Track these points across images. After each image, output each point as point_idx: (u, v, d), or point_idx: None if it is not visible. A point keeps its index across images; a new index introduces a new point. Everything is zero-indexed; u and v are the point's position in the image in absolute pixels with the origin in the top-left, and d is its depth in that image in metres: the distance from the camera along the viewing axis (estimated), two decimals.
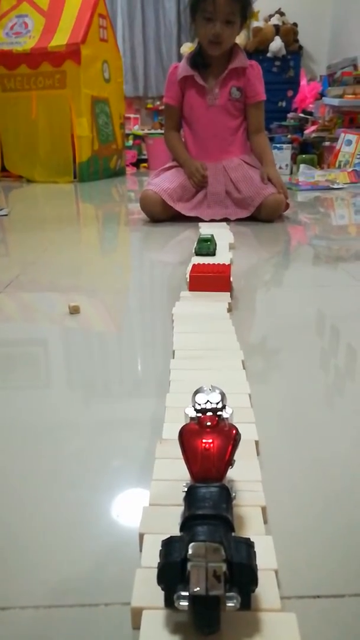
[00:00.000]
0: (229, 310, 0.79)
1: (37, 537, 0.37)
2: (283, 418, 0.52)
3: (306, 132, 3.60)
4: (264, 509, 0.37)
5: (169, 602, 0.28)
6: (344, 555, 0.35)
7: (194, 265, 0.92)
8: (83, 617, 0.31)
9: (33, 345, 0.73)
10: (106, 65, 3.26)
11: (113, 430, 0.50)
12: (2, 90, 3.10)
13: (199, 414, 0.33)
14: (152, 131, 4.53)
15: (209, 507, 0.29)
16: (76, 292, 0.96)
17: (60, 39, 2.95)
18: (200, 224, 1.56)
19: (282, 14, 4.20)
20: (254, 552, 0.28)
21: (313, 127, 3.53)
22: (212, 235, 1.12)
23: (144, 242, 1.51)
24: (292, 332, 0.76)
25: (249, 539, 0.28)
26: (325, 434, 0.49)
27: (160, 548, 0.29)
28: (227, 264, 0.94)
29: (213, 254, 1.08)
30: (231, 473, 0.35)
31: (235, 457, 0.33)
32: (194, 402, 0.34)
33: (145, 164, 4.31)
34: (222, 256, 1.08)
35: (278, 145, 3.27)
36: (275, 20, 4.14)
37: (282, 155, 3.19)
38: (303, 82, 3.99)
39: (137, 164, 4.34)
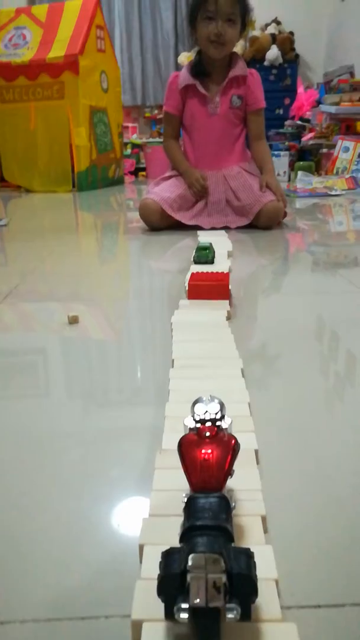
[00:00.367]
0: (228, 318, 0.79)
1: (37, 549, 0.37)
2: (283, 426, 0.52)
3: (303, 139, 3.63)
4: (263, 518, 0.37)
5: (169, 614, 0.28)
6: (345, 564, 0.35)
7: (192, 273, 0.93)
8: (83, 630, 0.30)
9: (32, 355, 0.73)
10: (104, 76, 3.29)
11: (112, 440, 0.50)
12: (1, 102, 3.13)
13: (198, 425, 0.33)
14: (150, 140, 4.56)
15: (208, 518, 0.29)
16: (75, 302, 0.96)
17: (58, 51, 2.98)
18: (199, 232, 1.57)
19: (278, 23, 4.24)
20: (254, 562, 0.28)
21: (310, 134, 3.55)
22: (211, 244, 1.12)
23: (142, 250, 1.51)
24: (291, 339, 0.76)
25: (248, 549, 0.28)
26: (325, 442, 0.49)
27: (160, 559, 0.29)
28: (225, 272, 0.94)
29: (212, 262, 1.09)
30: (231, 482, 0.35)
31: (235, 466, 0.33)
32: (193, 412, 0.34)
33: (143, 173, 4.34)
34: (220, 264, 1.09)
35: (276, 152, 3.29)
36: (271, 29, 4.18)
37: (279, 163, 3.21)
38: (300, 89, 4.02)
39: (135, 172, 4.36)
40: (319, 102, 3.59)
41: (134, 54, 4.62)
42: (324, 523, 0.38)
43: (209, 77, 1.66)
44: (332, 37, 4.27)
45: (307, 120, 3.76)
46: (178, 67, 4.33)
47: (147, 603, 0.29)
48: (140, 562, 0.34)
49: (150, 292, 1.09)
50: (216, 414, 0.33)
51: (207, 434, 0.33)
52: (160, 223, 1.65)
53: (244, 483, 0.39)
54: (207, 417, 0.33)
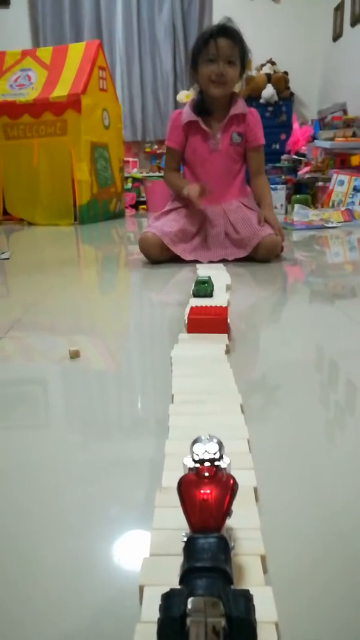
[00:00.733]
0: (227, 352, 0.80)
1: (35, 590, 0.37)
2: (282, 461, 0.52)
3: (300, 173, 3.72)
4: (263, 558, 0.37)
5: None
6: (347, 604, 0.35)
7: (191, 307, 0.94)
8: None
9: (34, 389, 0.74)
10: (106, 113, 3.40)
11: (112, 476, 0.50)
12: (6, 138, 3.22)
13: (197, 464, 0.34)
14: (151, 174, 4.67)
15: (207, 559, 0.29)
16: (76, 334, 0.97)
17: (61, 90, 3.09)
18: (198, 266, 1.60)
19: (273, 63, 4.41)
20: (253, 605, 0.28)
21: (306, 168, 3.64)
22: (210, 277, 1.14)
23: (143, 283, 1.53)
24: (289, 372, 0.76)
25: (247, 591, 0.28)
26: (325, 477, 0.49)
27: (160, 602, 0.29)
28: (224, 305, 0.96)
29: (210, 295, 1.10)
30: (230, 521, 0.36)
31: (234, 504, 0.34)
32: (192, 452, 0.35)
33: (144, 206, 4.42)
34: (219, 297, 1.10)
35: (273, 185, 3.36)
36: (266, 69, 4.34)
37: (277, 196, 3.28)
38: (295, 126, 4.14)
39: (136, 205, 4.45)
40: (314, 138, 3.70)
41: (134, 92, 4.78)
42: (325, 562, 0.38)
43: (211, 115, 1.72)
44: (325, 76, 4.43)
45: (303, 155, 3.86)
46: (177, 104, 4.48)
47: None
48: (141, 603, 0.34)
49: (151, 325, 1.10)
50: (215, 453, 0.34)
51: (206, 474, 0.33)
52: (160, 256, 1.68)
53: (243, 522, 0.39)
54: (206, 457, 0.34)
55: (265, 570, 0.36)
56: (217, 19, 4.44)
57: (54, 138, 3.13)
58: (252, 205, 1.77)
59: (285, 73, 4.37)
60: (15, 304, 1.27)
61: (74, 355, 0.83)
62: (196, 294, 1.10)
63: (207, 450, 0.34)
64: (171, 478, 0.44)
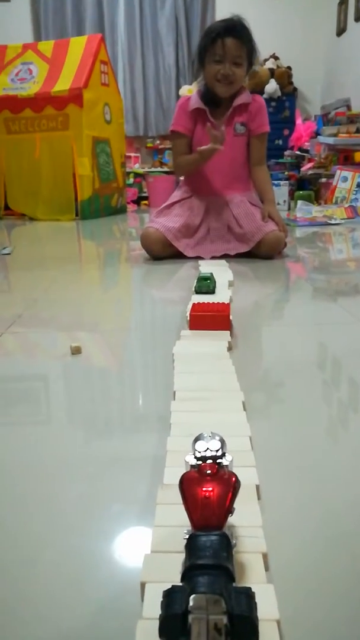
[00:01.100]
0: (229, 349, 0.80)
1: (37, 587, 0.37)
2: (284, 459, 0.52)
3: (303, 169, 3.70)
4: (265, 556, 0.37)
5: None
6: (348, 601, 0.35)
7: (194, 304, 0.94)
8: None
9: (35, 385, 0.74)
10: (107, 108, 3.38)
11: (113, 473, 0.50)
12: (7, 133, 3.21)
13: (199, 462, 0.34)
14: (152, 169, 4.65)
15: (209, 557, 0.29)
16: (78, 330, 0.97)
17: (63, 84, 3.07)
18: (200, 262, 1.59)
19: (276, 58, 4.38)
20: (255, 603, 0.28)
21: (309, 164, 3.62)
22: (212, 274, 1.14)
23: (144, 279, 1.53)
24: (292, 370, 0.76)
25: (249, 589, 0.29)
26: (327, 475, 0.49)
27: (162, 599, 0.29)
28: (226, 302, 0.95)
29: (213, 292, 1.10)
30: (232, 518, 0.36)
31: (236, 502, 0.34)
32: (194, 449, 0.34)
33: (145, 202, 4.41)
34: (221, 294, 1.10)
35: (276, 181, 3.35)
36: (270, 64, 4.31)
37: (279, 192, 3.27)
38: (298, 121, 4.12)
39: (137, 201, 4.44)
40: (317, 134, 3.68)
41: (136, 87, 4.75)
42: (326, 559, 0.38)
43: (217, 106, 1.70)
44: (329, 71, 4.40)
45: (306, 151, 3.84)
46: (179, 99, 4.45)
47: None
48: (142, 599, 0.34)
49: (152, 321, 1.10)
50: (217, 451, 0.34)
51: (208, 471, 0.33)
52: (162, 252, 1.68)
53: (245, 519, 0.39)
54: (208, 455, 0.34)
55: (267, 568, 0.36)
56: (219, 12, 4.42)
57: (55, 133, 3.12)
58: (256, 201, 1.76)
59: (289, 68, 4.35)
60: (16, 299, 1.27)
61: (76, 351, 0.82)
62: (198, 291, 1.10)
63: (209, 447, 0.34)
64: (173, 475, 0.45)
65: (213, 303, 0.93)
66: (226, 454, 0.35)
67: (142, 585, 0.35)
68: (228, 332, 0.86)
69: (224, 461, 0.34)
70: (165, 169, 4.63)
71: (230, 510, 0.33)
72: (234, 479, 0.33)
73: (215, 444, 0.34)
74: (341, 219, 2.74)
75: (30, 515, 0.44)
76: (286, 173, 3.76)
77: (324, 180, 3.40)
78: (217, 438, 0.35)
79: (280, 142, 4.24)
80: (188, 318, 0.90)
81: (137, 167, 4.69)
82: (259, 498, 0.44)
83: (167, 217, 1.72)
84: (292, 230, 2.42)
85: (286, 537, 0.41)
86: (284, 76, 4.29)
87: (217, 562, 0.29)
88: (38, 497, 0.47)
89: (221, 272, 1.35)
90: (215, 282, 1.13)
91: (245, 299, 1.19)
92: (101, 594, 0.36)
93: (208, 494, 0.32)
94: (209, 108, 1.69)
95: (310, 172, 3.55)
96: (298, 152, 3.89)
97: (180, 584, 0.29)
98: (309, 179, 3.61)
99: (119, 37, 4.66)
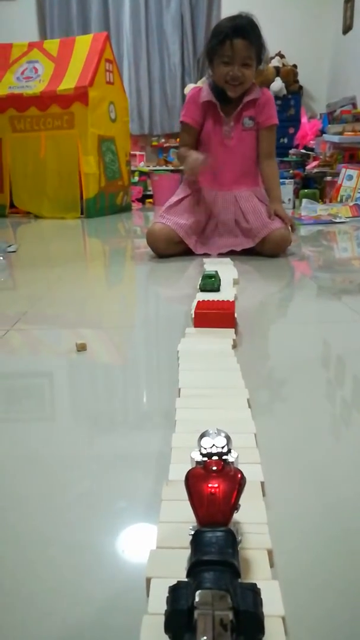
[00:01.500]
0: (234, 346, 0.80)
1: (43, 583, 0.37)
2: (289, 456, 0.52)
3: (308, 167, 3.69)
4: (270, 552, 0.37)
5: None
6: (353, 598, 0.35)
7: (198, 302, 0.94)
8: None
9: (40, 382, 0.74)
10: (112, 106, 3.38)
11: (119, 469, 0.50)
12: (13, 131, 3.21)
13: (205, 458, 0.34)
14: (157, 168, 4.65)
15: (215, 553, 0.29)
16: (83, 328, 0.97)
17: (68, 83, 3.07)
18: (205, 260, 1.59)
19: (282, 56, 4.36)
20: (260, 599, 0.28)
21: (315, 163, 3.61)
22: (217, 272, 1.14)
23: (149, 277, 1.53)
24: (296, 367, 0.76)
25: (255, 585, 0.29)
26: (332, 472, 0.49)
27: (167, 594, 0.29)
28: (231, 300, 0.95)
29: (217, 289, 1.10)
30: (237, 515, 0.36)
31: (241, 499, 0.34)
32: (200, 446, 0.34)
33: (150, 200, 4.41)
34: (226, 292, 1.10)
35: (281, 180, 3.34)
36: (275, 62, 4.30)
37: (285, 190, 3.25)
38: (304, 119, 4.10)
39: (142, 199, 4.43)
40: (322, 132, 3.66)
41: (142, 85, 4.75)
42: (331, 556, 0.38)
43: (228, 102, 1.70)
44: (335, 69, 4.38)
45: (311, 149, 3.83)
46: (184, 98, 4.45)
47: (154, 639, 0.29)
48: (148, 595, 0.34)
49: (157, 319, 1.10)
50: (223, 447, 0.34)
51: (214, 467, 0.33)
52: (167, 250, 1.68)
53: (250, 516, 0.39)
54: (214, 451, 0.34)
55: (272, 565, 0.36)
56: (225, 10, 4.39)
57: (61, 131, 3.12)
58: (263, 197, 1.76)
59: (294, 66, 4.33)
60: (22, 296, 1.27)
61: (81, 348, 0.83)
62: (203, 288, 1.10)
63: (215, 444, 0.34)
64: (178, 471, 0.45)
65: (218, 301, 0.93)
66: (232, 451, 0.34)
67: (148, 580, 0.35)
68: (233, 329, 0.86)
69: (230, 458, 0.34)
70: (170, 167, 4.62)
71: (235, 507, 0.33)
72: (239, 475, 0.33)
73: (221, 441, 0.34)
74: (346, 217, 2.73)
75: (35, 512, 0.45)
76: (291, 171, 3.74)
77: (329, 178, 3.39)
78: (223, 435, 0.35)
79: (286, 140, 4.23)
80: (193, 315, 0.90)
81: (142, 166, 4.69)
82: (264, 495, 0.44)
83: (177, 213, 1.71)
84: (297, 229, 2.41)
85: (291, 534, 0.41)
86: (290, 74, 4.27)
87: (222, 558, 0.29)
88: (43, 493, 0.47)
89: (226, 270, 1.35)
90: (220, 279, 1.13)
91: (250, 296, 1.19)
92: (107, 590, 0.36)
93: (214, 490, 0.32)
94: (219, 103, 1.69)
95: (315, 170, 3.54)
96: (303, 151, 3.88)
97: (186, 579, 0.29)
98: (314, 177, 3.60)
99: (125, 35, 4.65)
